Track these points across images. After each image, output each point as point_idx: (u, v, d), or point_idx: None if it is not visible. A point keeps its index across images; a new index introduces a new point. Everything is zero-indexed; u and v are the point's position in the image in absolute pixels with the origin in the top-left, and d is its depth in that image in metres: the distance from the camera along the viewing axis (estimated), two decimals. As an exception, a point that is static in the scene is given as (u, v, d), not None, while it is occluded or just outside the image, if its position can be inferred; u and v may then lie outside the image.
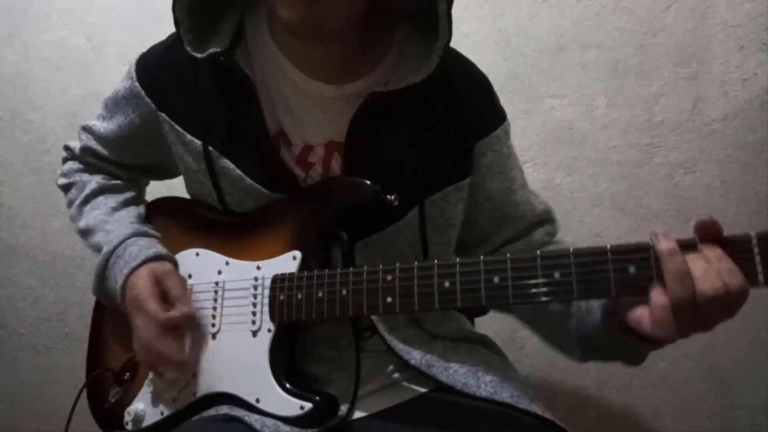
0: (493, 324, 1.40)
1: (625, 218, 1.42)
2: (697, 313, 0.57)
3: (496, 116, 0.89)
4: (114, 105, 0.92)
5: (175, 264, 0.86)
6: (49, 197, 1.57)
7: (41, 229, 1.59)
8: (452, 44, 0.78)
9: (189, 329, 0.81)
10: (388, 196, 0.76)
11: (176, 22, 0.79)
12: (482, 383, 0.79)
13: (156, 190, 1.06)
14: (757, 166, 1.37)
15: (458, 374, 0.79)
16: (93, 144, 0.96)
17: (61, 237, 1.58)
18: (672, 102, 1.38)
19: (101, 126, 0.94)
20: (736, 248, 0.56)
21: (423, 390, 0.82)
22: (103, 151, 0.96)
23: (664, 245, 0.57)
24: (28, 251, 1.60)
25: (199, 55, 0.78)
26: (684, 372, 1.41)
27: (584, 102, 1.41)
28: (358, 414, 0.79)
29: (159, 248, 0.85)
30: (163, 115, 0.85)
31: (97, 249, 0.89)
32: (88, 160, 0.98)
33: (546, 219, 0.91)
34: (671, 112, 1.38)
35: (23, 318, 1.61)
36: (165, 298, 0.80)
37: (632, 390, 1.43)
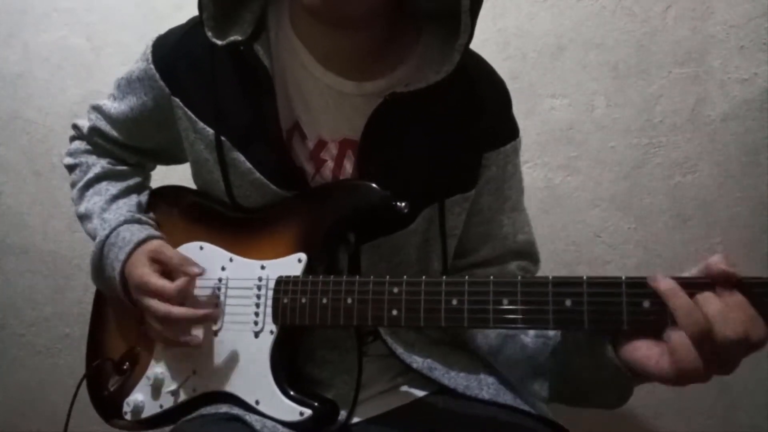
0: (493, 324, 1.40)
1: (625, 218, 1.42)
2: (718, 353, 0.54)
3: (510, 131, 0.87)
4: (127, 86, 0.90)
5: (166, 241, 0.85)
6: (50, 197, 1.57)
7: (41, 229, 1.59)
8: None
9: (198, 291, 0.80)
10: (398, 203, 0.75)
11: (200, 8, 0.77)
12: (484, 386, 0.79)
13: (155, 183, 1.05)
14: (757, 166, 1.37)
15: (460, 377, 0.79)
16: (102, 124, 0.95)
17: (61, 237, 1.58)
18: (672, 102, 1.38)
19: (112, 106, 0.93)
20: (753, 291, 0.54)
21: (423, 393, 0.81)
22: (112, 132, 0.94)
23: (662, 284, 0.55)
24: (28, 251, 1.60)
25: (219, 42, 0.77)
26: (684, 372, 1.41)
27: (584, 102, 1.41)
28: (357, 418, 0.79)
29: (150, 231, 0.85)
30: (177, 100, 0.84)
31: (93, 236, 0.88)
32: (95, 140, 0.97)
33: (524, 252, 0.88)
34: (671, 112, 1.38)
35: (23, 318, 1.61)
36: (166, 274, 0.80)
37: (632, 390, 1.43)
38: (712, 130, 1.38)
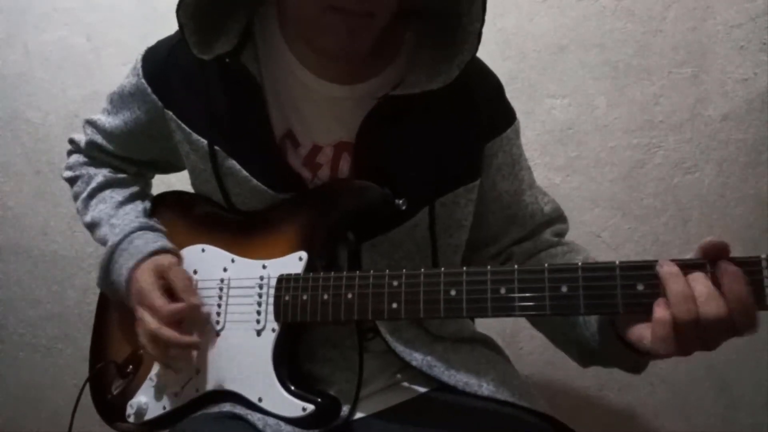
0: (493, 324, 1.40)
1: (625, 218, 1.42)
2: (699, 334, 0.56)
3: (507, 116, 0.88)
4: (120, 100, 0.91)
5: (180, 258, 0.85)
6: (50, 197, 1.57)
7: (41, 229, 1.59)
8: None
9: (194, 323, 0.80)
10: (397, 200, 0.76)
11: (180, 28, 0.78)
12: (484, 382, 0.79)
13: (155, 188, 1.06)
14: (757, 166, 1.37)
15: (460, 374, 0.80)
16: (98, 138, 0.95)
17: (61, 237, 1.58)
18: (672, 102, 1.38)
19: (106, 121, 0.93)
20: (745, 270, 0.55)
21: (424, 389, 0.82)
22: (109, 146, 0.95)
23: (666, 268, 0.57)
24: (28, 251, 1.60)
25: (205, 58, 0.77)
26: (684, 372, 1.41)
27: (584, 102, 1.41)
28: (359, 414, 0.79)
29: (164, 242, 0.86)
30: (170, 113, 0.85)
31: (104, 242, 0.89)
32: (93, 153, 0.98)
33: (554, 218, 0.91)
34: (671, 112, 1.38)
35: (23, 318, 1.61)
36: (169, 292, 0.80)
37: (632, 390, 1.44)
38: (712, 130, 1.38)
